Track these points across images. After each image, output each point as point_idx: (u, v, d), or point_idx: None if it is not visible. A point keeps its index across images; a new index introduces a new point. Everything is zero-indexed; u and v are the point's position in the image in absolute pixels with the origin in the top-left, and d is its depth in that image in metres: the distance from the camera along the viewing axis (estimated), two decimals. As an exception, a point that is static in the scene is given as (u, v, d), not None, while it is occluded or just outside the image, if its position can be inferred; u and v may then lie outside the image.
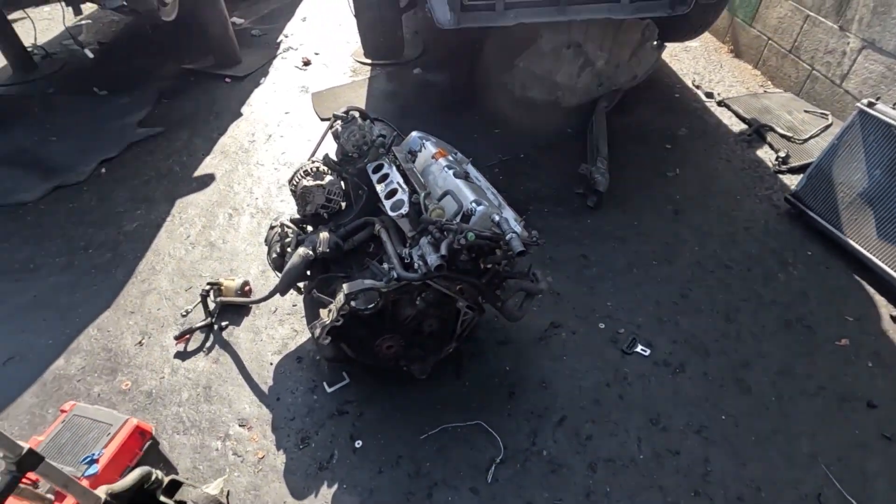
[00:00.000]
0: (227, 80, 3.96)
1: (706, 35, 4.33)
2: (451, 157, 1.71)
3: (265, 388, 1.90)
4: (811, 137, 2.98)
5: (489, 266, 1.51)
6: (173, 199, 2.82)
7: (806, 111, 3.22)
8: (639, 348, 1.98)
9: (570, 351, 1.99)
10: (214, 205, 2.77)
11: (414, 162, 1.83)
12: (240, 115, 3.55)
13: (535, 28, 2.89)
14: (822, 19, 3.17)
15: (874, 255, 2.17)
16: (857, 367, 1.89)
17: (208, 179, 2.96)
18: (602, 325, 2.08)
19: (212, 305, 2.15)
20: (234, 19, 4.67)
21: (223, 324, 2.12)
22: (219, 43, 4.01)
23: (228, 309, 2.17)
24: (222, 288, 2.17)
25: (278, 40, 4.59)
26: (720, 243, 2.43)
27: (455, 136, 2.25)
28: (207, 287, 2.16)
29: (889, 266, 2.11)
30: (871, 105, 2.19)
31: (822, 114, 3.15)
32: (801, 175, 2.52)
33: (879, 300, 2.12)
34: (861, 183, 2.23)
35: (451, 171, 1.59)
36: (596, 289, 2.23)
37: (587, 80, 3.20)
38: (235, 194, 2.84)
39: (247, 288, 2.23)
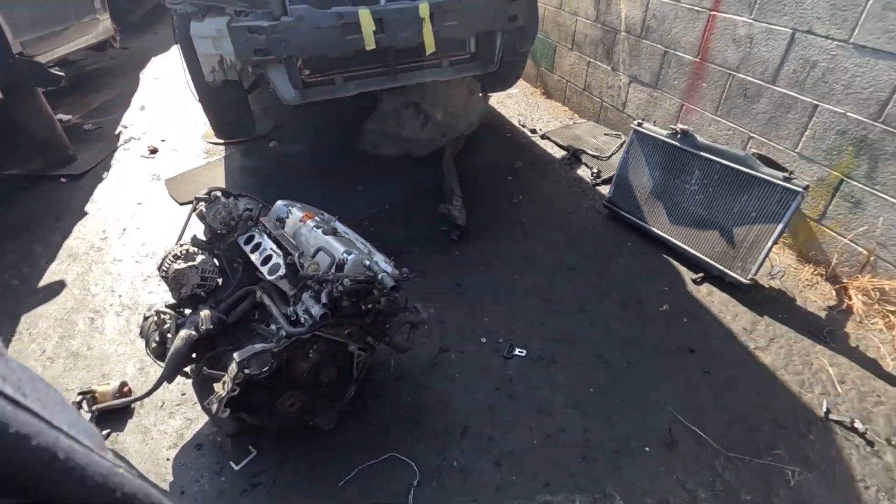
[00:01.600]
0: (63, 180, 3.70)
1: (522, 83, 5.13)
2: (317, 218, 1.88)
3: (167, 486, 1.81)
4: (612, 154, 3.70)
5: (370, 306, 1.68)
6: (17, 317, 2.55)
7: (605, 134, 3.99)
8: (517, 351, 2.27)
9: (461, 369, 2.21)
10: (70, 312, 2.56)
11: (283, 228, 1.96)
12: (84, 213, 3.34)
13: (375, 94, 3.24)
14: (600, 63, 4.00)
15: (671, 237, 2.77)
16: (677, 324, 2.38)
17: (58, 287, 2.73)
18: (484, 340, 2.34)
19: (87, 416, 1.99)
20: (60, 116, 4.40)
21: (104, 433, 1.98)
22: (46, 142, 3.75)
23: (107, 416, 2.03)
24: (96, 395, 2.03)
25: (117, 132, 4.41)
26: (564, 250, 2.89)
27: (320, 199, 2.42)
28: (78, 398, 2.00)
29: (682, 243, 2.72)
30: (640, 125, 2.85)
31: (616, 134, 3.93)
32: (610, 185, 3.13)
33: (683, 270, 2.70)
34: (649, 183, 2.86)
35: (319, 230, 1.76)
36: (473, 310, 2.50)
37: (431, 132, 3.62)
38: (94, 296, 2.66)
39: (125, 389, 2.11)
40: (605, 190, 3.37)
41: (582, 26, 4.11)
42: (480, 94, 3.75)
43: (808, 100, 2.48)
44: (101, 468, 0.32)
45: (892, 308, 2.28)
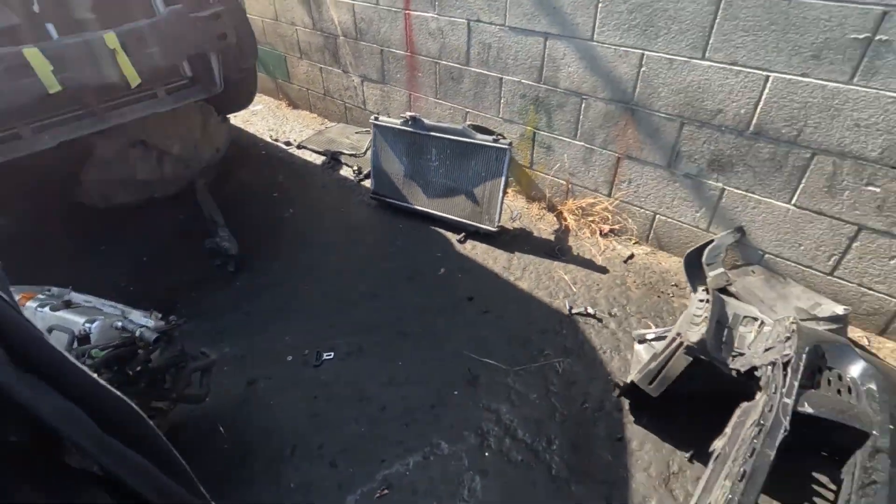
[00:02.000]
0: None
1: (265, 97, 5.03)
2: (41, 296, 1.61)
3: None
4: (367, 150, 3.96)
5: (139, 369, 1.54)
6: None
7: (356, 132, 4.23)
8: (325, 356, 2.33)
9: (275, 393, 2.17)
10: None
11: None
12: None
13: (87, 140, 2.82)
14: (331, 68, 4.19)
15: (431, 209, 3.14)
16: (455, 280, 2.75)
17: None
18: (290, 358, 2.33)
19: None
20: None
21: None
22: None
23: None
24: None
25: None
26: (345, 247, 3.02)
27: (47, 270, 2.05)
28: None
29: (441, 212, 3.11)
30: (376, 119, 3.13)
31: (366, 131, 4.20)
32: (370, 178, 3.36)
33: (449, 235, 3.10)
34: (401, 168, 3.17)
35: (46, 308, 1.51)
36: (270, 333, 2.46)
37: (173, 168, 3.33)
38: None
39: None
40: (368, 183, 3.60)
41: (303, 35, 4.22)
42: (219, 118, 3.57)
43: (495, 75, 3.06)
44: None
45: (591, 219, 3.03)
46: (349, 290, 2.71)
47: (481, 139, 2.82)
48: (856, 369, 1.34)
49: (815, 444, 1.32)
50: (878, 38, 1.81)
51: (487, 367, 2.25)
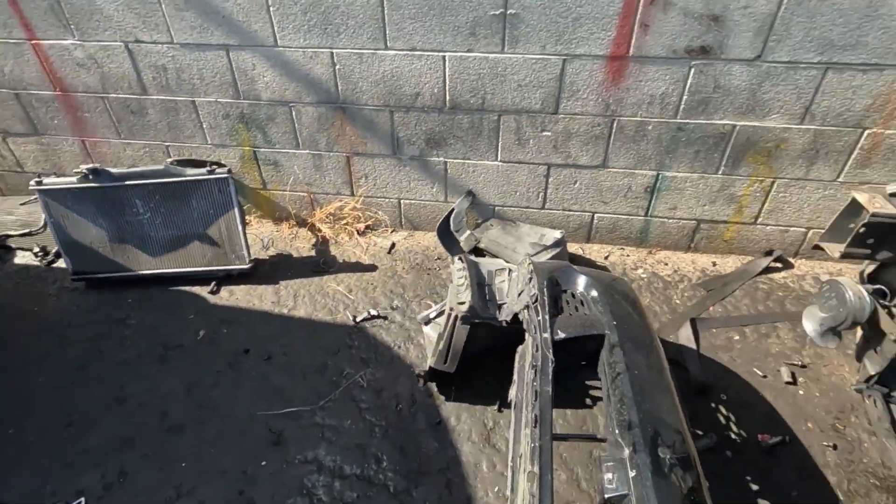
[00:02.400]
0: None
1: None
2: None
3: None
4: (45, 224, 3.07)
5: None
6: None
7: (23, 204, 3.24)
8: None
9: None
10: None
11: None
12: None
13: None
14: (-56, 130, 3.06)
15: (161, 269, 2.63)
16: (220, 338, 2.38)
17: None
18: (16, 536, 1.68)
19: None
20: None
21: None
22: None
23: None
24: None
25: None
26: (54, 354, 2.31)
27: None
28: None
29: (175, 268, 2.63)
30: (40, 182, 2.41)
31: (35, 200, 3.25)
32: (63, 256, 2.61)
33: (196, 289, 2.65)
34: (102, 233, 2.55)
35: None
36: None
37: None
38: None
39: None
40: (63, 263, 2.81)
41: None
42: None
43: (184, 98, 2.67)
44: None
45: (344, 222, 2.98)
46: (81, 405, 2.09)
47: (193, 174, 2.45)
48: (580, 284, 1.62)
49: (580, 359, 1.56)
50: (509, 12, 2.16)
51: (290, 416, 2.03)
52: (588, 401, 2.03)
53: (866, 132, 2.21)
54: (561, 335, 1.38)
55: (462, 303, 1.78)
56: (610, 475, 1.00)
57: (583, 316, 1.49)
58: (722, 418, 1.96)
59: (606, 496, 0.98)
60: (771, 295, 2.49)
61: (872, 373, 1.61)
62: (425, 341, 2.27)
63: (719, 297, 2.47)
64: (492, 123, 2.49)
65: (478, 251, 2.68)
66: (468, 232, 2.68)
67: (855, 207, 1.13)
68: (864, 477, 1.74)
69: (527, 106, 2.40)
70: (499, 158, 2.61)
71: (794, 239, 2.61)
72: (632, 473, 1.00)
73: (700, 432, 1.88)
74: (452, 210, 2.72)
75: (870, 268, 1.47)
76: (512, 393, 1.55)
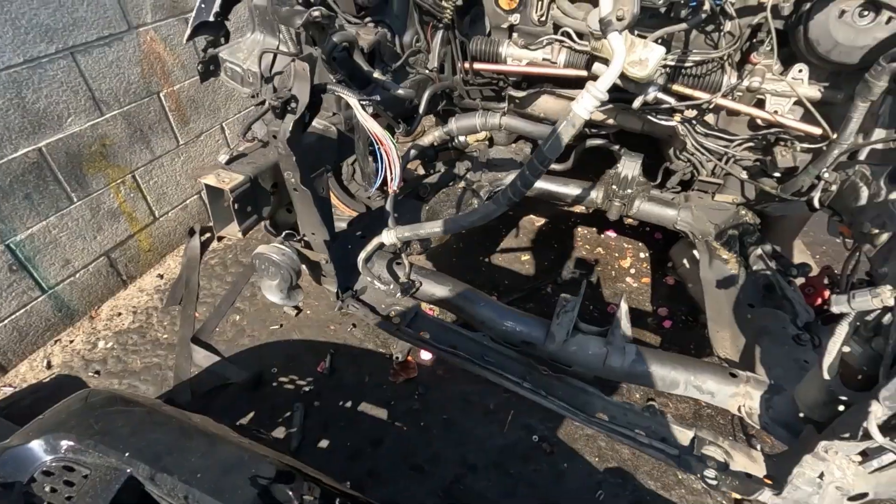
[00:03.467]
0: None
1: None
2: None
3: None
4: None
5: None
6: None
7: None
8: None
9: None
10: None
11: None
12: None
13: None
14: None
15: None
16: None
17: None
18: None
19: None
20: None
21: None
22: None
23: None
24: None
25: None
26: None
27: None
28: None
29: None
30: None
31: None
32: None
33: None
34: None
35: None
36: None
37: None
38: None
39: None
40: None
41: None
42: None
43: None
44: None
45: None
46: None
47: None
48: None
49: None
50: None
51: None
52: None
53: (162, 94, 2.27)
54: None
55: None
56: None
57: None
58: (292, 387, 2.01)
59: None
60: (226, 262, 2.54)
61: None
62: None
63: (193, 299, 2.33)
64: None
65: None
66: None
67: (216, 191, 1.13)
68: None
69: None
70: None
71: (198, 208, 2.65)
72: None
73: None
74: None
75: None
76: None
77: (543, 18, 1.67)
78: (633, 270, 2.61)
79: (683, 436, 1.07)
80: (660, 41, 1.37)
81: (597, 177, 1.95)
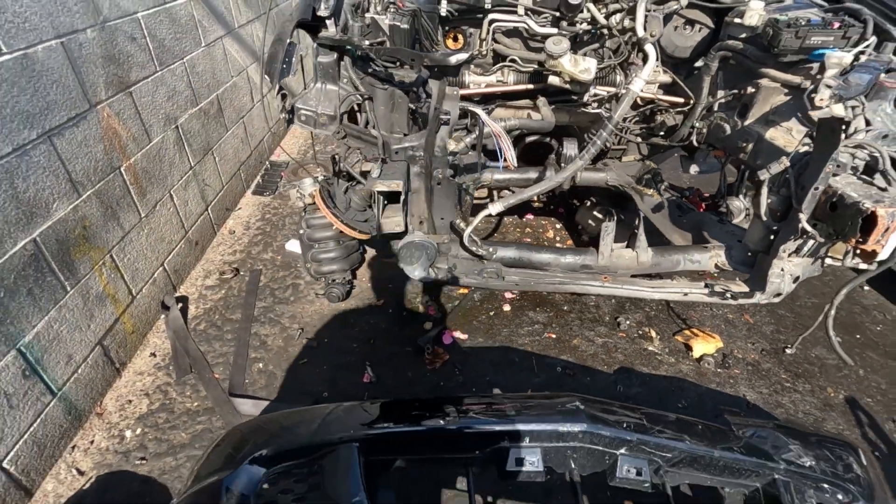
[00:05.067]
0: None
1: None
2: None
3: None
4: None
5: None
6: None
7: None
8: None
9: None
10: None
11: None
12: None
13: None
14: None
15: None
16: None
17: None
18: None
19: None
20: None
21: None
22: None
23: None
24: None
25: None
26: None
27: None
28: None
29: None
30: None
31: None
32: None
33: None
34: None
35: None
36: None
37: None
38: None
39: None
40: None
41: None
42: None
43: None
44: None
45: None
46: None
47: None
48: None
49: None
50: None
51: None
52: None
53: (122, 168, 2.23)
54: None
55: None
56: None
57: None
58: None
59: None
60: (215, 323, 2.51)
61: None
62: None
63: (204, 363, 2.28)
64: None
65: None
66: None
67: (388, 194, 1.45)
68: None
69: None
70: None
71: (164, 280, 2.55)
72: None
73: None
74: None
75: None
76: None
77: (485, 52, 2.24)
78: (557, 238, 3.32)
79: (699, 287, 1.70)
80: (588, 55, 2.05)
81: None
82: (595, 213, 2.72)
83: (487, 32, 2.15)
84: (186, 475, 1.82)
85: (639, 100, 2.27)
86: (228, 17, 3.26)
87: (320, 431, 1.33)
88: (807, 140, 1.51)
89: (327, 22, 1.53)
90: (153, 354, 2.33)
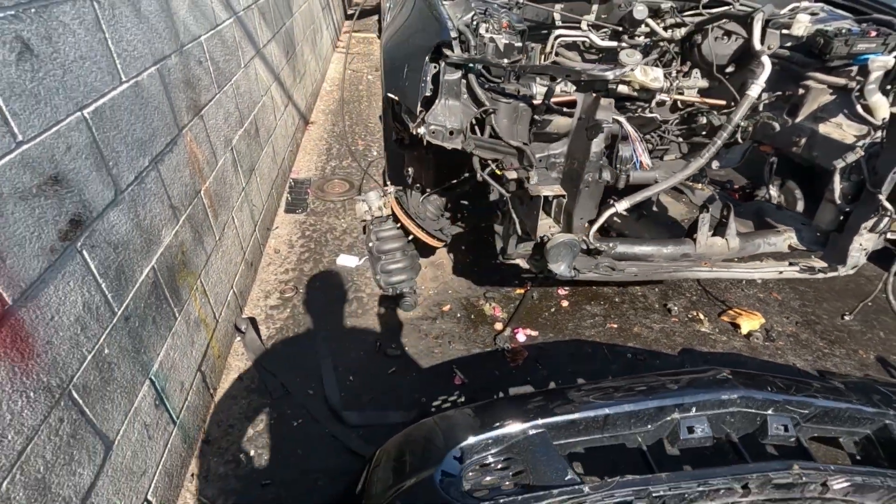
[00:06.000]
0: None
1: None
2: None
3: None
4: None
5: None
6: None
7: None
8: None
9: None
10: None
11: None
12: None
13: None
14: None
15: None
16: None
17: None
18: None
19: None
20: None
21: None
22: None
23: None
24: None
25: None
26: None
27: None
28: None
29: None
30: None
31: None
32: None
33: None
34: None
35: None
36: None
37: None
38: None
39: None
40: None
41: None
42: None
43: None
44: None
45: None
46: None
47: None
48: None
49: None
50: None
51: None
52: None
53: (202, 192, 2.21)
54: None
55: None
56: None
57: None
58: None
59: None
60: (287, 348, 2.51)
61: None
62: None
63: (291, 383, 2.28)
64: None
65: None
66: None
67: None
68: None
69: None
70: None
71: (235, 303, 2.52)
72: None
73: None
74: None
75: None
76: None
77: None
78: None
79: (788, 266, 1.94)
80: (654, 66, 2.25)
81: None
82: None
83: (552, 47, 2.31)
84: (317, 492, 1.84)
85: (679, 103, 2.50)
86: (255, 38, 3.26)
87: (499, 422, 1.41)
88: (873, 133, 1.77)
89: (452, 42, 1.64)
90: (240, 378, 2.31)
